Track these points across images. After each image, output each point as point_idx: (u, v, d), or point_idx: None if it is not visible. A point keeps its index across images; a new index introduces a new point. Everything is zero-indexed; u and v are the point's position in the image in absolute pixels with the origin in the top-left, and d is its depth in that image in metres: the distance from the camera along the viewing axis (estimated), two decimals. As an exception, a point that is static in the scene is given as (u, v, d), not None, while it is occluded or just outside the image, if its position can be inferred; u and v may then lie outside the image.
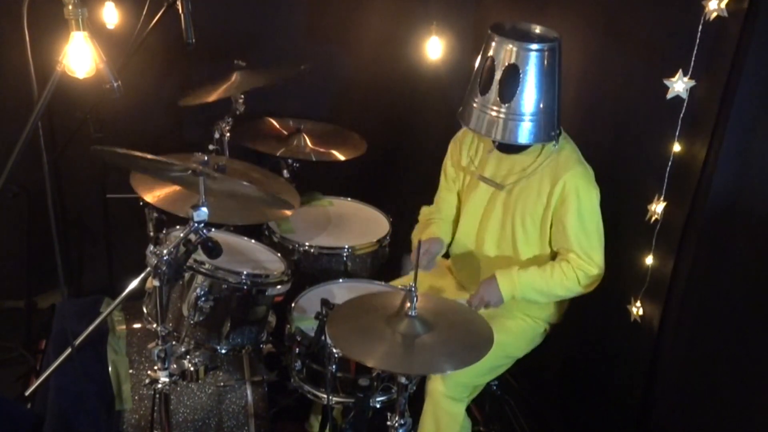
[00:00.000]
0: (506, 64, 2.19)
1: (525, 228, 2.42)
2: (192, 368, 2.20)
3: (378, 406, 2.37)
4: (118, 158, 2.18)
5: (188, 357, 2.22)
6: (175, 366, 2.14)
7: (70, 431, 2.34)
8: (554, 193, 2.34)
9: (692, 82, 2.07)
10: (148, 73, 3.09)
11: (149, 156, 2.06)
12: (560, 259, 2.39)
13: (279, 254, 2.68)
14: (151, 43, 2.70)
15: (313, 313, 2.31)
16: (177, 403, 2.45)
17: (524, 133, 2.26)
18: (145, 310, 2.45)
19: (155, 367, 2.10)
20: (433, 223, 2.68)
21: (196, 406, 2.47)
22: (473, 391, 2.47)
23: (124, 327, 2.60)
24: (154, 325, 2.27)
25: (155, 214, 2.67)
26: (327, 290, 2.63)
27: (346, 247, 2.87)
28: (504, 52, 2.20)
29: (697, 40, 2.02)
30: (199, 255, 2.06)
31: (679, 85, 2.09)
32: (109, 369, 2.46)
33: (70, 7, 1.81)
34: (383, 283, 2.67)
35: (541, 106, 2.23)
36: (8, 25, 2.87)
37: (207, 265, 2.30)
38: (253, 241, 2.75)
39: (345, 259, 2.86)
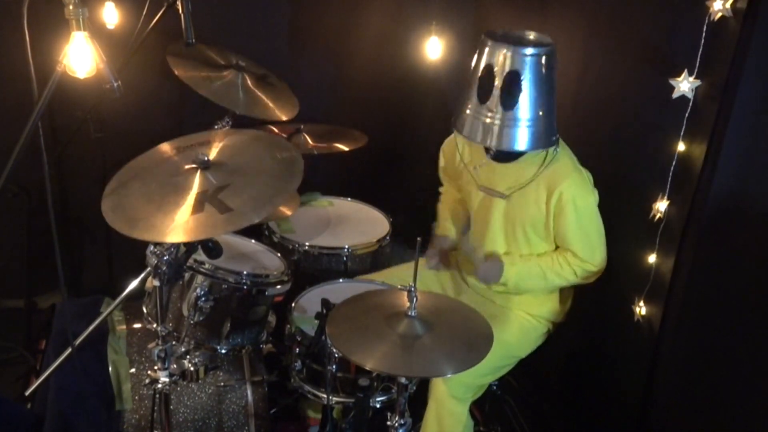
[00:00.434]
0: (506, 70, 2.13)
1: (527, 235, 2.42)
2: (192, 368, 2.19)
3: (378, 406, 2.37)
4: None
5: (188, 357, 2.21)
6: (175, 366, 2.13)
7: (70, 431, 2.34)
8: (551, 202, 2.32)
9: (698, 82, 2.07)
10: (148, 73, 3.09)
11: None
12: (562, 251, 2.40)
13: (279, 254, 2.68)
14: (151, 43, 2.70)
15: (313, 313, 2.31)
16: (177, 403, 2.45)
17: (523, 139, 2.20)
18: (145, 310, 2.45)
19: (155, 367, 2.09)
20: (448, 217, 2.71)
21: (196, 406, 2.47)
22: (477, 391, 2.47)
23: (124, 327, 2.60)
24: (154, 325, 2.28)
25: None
26: (327, 290, 2.63)
27: (346, 247, 2.87)
28: (501, 58, 2.13)
29: (702, 41, 2.02)
30: (199, 255, 2.06)
31: (685, 84, 2.08)
32: (110, 369, 2.46)
33: (71, 7, 1.82)
34: (383, 282, 2.67)
35: (540, 113, 2.19)
36: (8, 25, 2.84)
37: (207, 265, 2.30)
38: (253, 241, 2.75)
39: (345, 259, 2.87)
